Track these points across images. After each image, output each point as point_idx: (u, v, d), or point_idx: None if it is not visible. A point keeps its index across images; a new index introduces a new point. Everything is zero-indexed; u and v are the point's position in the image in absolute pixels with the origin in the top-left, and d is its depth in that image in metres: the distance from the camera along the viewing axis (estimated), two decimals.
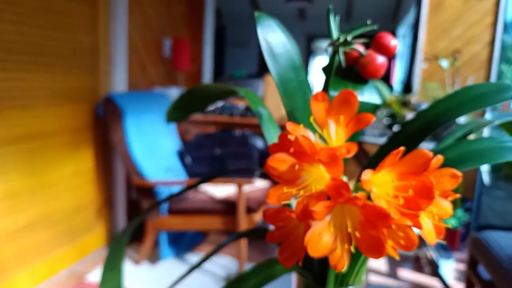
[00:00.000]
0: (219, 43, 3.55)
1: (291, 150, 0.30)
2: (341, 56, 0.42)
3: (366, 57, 0.40)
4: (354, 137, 0.42)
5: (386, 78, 3.26)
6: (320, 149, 0.28)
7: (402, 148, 0.28)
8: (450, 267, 2.27)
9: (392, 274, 2.31)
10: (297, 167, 0.29)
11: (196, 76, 3.45)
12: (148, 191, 2.22)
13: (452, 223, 2.62)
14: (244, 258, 2.18)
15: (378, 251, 0.27)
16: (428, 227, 0.29)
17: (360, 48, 0.41)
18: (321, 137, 0.33)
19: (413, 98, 2.52)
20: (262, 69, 4.46)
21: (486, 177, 2.28)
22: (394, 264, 2.43)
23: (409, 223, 0.27)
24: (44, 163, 1.98)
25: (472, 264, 1.82)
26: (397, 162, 0.28)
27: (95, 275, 2.15)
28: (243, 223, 2.11)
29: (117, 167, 2.55)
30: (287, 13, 3.64)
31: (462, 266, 2.45)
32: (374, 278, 2.24)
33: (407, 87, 2.83)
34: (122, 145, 2.20)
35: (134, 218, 0.58)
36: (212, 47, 3.46)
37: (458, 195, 0.32)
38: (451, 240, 2.63)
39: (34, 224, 1.95)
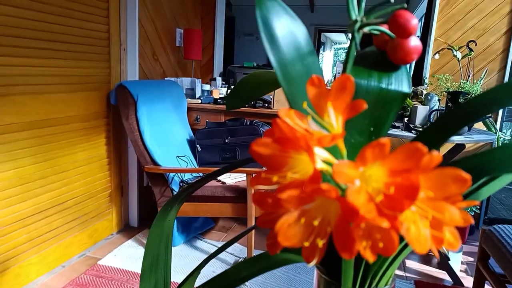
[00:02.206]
0: (228, 33, 3.53)
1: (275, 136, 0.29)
2: (358, 40, 0.40)
3: (395, 40, 0.37)
4: (382, 129, 0.41)
5: None
6: (300, 136, 0.28)
7: (383, 140, 0.25)
8: (459, 260, 2.26)
9: (399, 266, 2.32)
10: (277, 153, 0.28)
11: (207, 66, 3.45)
12: (160, 178, 2.24)
13: None
14: (253, 245, 2.19)
15: (349, 251, 0.25)
16: (416, 233, 0.25)
17: (388, 30, 0.39)
18: (320, 125, 0.31)
19: (424, 90, 2.50)
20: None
21: None
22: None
23: (385, 224, 0.24)
24: (56, 149, 2.00)
25: (483, 257, 1.82)
26: (388, 156, 0.25)
27: (108, 260, 2.18)
28: (253, 211, 2.12)
29: (129, 154, 2.57)
30: (296, 3, 3.60)
31: (470, 259, 2.45)
32: None
33: (418, 79, 2.80)
34: (135, 133, 2.22)
35: (170, 198, 0.57)
36: (223, 37, 3.45)
37: (475, 202, 0.28)
38: (460, 233, 2.62)
39: (46, 210, 1.98)
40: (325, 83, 0.32)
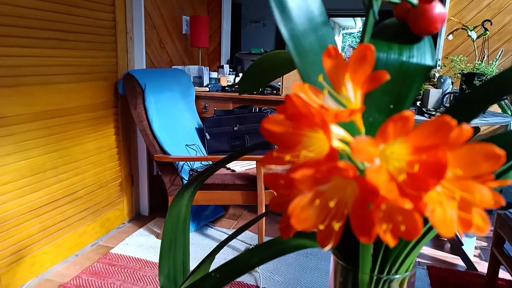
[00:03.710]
0: (235, 20, 3.48)
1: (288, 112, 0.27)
2: (377, 8, 0.37)
3: (417, 8, 0.35)
4: (403, 106, 0.38)
5: None
6: (315, 112, 0.25)
7: (407, 113, 0.23)
8: (472, 245, 2.23)
9: None
10: (291, 130, 0.26)
11: (214, 53, 3.41)
12: (169, 166, 2.24)
13: None
14: (263, 232, 2.19)
15: (367, 234, 0.24)
16: (442, 215, 0.23)
17: None
18: (337, 100, 0.30)
19: (436, 73, 2.43)
20: (278, 46, 4.37)
21: None
22: None
23: (408, 205, 0.22)
24: (66, 139, 2.00)
25: (498, 242, 1.78)
26: (412, 132, 0.23)
27: (120, 249, 2.20)
28: (264, 198, 2.12)
29: (138, 144, 2.57)
30: None
31: (484, 244, 2.41)
32: None
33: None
34: (143, 122, 2.21)
35: (183, 186, 0.55)
36: (229, 23, 3.40)
37: (508, 182, 0.26)
38: None
39: (58, 200, 1.99)
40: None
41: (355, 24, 7.70)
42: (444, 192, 0.24)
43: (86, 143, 2.14)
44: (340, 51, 0.29)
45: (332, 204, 0.25)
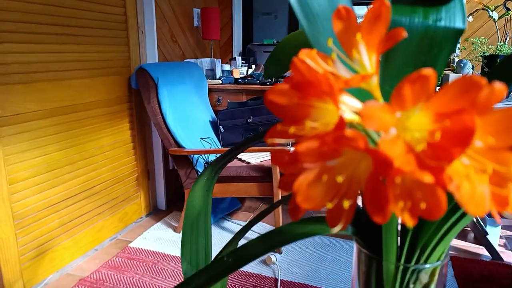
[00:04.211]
0: (246, 12, 3.44)
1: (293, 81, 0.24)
2: None
3: None
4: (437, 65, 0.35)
5: None
6: (322, 78, 0.22)
7: (426, 71, 0.19)
8: (497, 234, 2.15)
9: None
10: (297, 101, 0.24)
11: (226, 45, 3.38)
12: (184, 160, 2.24)
13: None
14: (279, 224, 2.17)
15: (382, 213, 0.21)
16: (471, 191, 0.20)
17: None
18: (349, 66, 0.26)
19: (456, 57, 2.35)
20: None
21: None
22: None
23: (427, 178, 0.19)
24: (81, 135, 2.02)
25: None
26: (434, 96, 0.20)
27: (138, 243, 2.21)
28: (279, 190, 2.09)
29: (153, 138, 2.58)
30: None
31: (509, 233, 2.33)
32: None
33: None
34: (157, 116, 2.21)
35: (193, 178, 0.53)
36: (241, 15, 3.36)
37: None
38: None
39: (76, 195, 2.01)
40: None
41: None
42: (473, 165, 0.21)
43: (102, 138, 2.15)
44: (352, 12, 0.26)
45: (340, 179, 0.22)
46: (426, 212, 0.20)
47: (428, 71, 0.19)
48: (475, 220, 2.19)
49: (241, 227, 2.29)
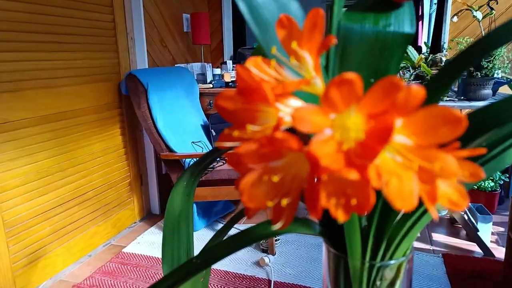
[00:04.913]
0: (238, 15, 3.46)
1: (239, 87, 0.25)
2: None
3: None
4: (384, 76, 0.36)
5: (414, 40, 3.09)
6: (259, 84, 0.23)
7: (348, 76, 0.20)
8: (489, 231, 2.17)
9: (426, 239, 2.25)
10: (243, 106, 0.25)
11: (217, 50, 3.40)
12: (176, 164, 2.24)
13: (489, 185, 2.50)
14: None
15: (314, 210, 0.22)
16: (399, 187, 0.21)
17: None
18: (295, 71, 0.27)
19: (443, 57, 2.37)
20: None
21: None
22: (428, 229, 2.36)
23: (353, 175, 0.20)
24: (71, 142, 2.02)
25: None
26: (363, 97, 0.21)
27: (132, 248, 2.21)
28: None
29: (145, 143, 2.58)
30: None
31: (501, 229, 2.35)
32: None
33: (436, 45, 2.66)
34: (148, 121, 2.21)
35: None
36: (231, 19, 3.38)
37: (481, 150, 0.22)
38: (489, 203, 2.52)
39: (67, 202, 2.01)
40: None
41: None
42: (404, 162, 0.22)
43: (92, 144, 2.15)
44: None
45: (276, 179, 0.23)
46: (357, 208, 0.21)
47: (350, 75, 0.20)
48: (466, 217, 2.21)
49: (235, 229, 2.28)
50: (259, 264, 2.01)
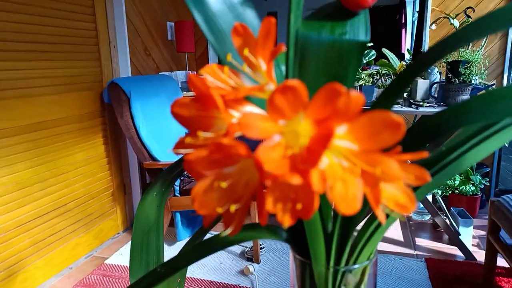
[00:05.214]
0: None
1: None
2: None
3: None
4: (343, 84, 0.36)
5: (397, 47, 3.15)
6: (210, 91, 0.24)
7: (292, 83, 0.21)
8: (470, 235, 2.21)
9: (410, 244, 2.27)
10: (199, 113, 0.25)
11: (202, 57, 3.40)
12: (159, 173, 2.22)
13: (470, 190, 2.55)
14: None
15: (260, 215, 0.22)
16: (343, 191, 0.21)
17: None
18: (252, 79, 0.28)
19: None
20: None
21: None
22: (412, 234, 2.39)
23: (295, 180, 0.20)
24: (52, 152, 1.99)
25: (493, 229, 1.76)
26: (310, 104, 0.22)
27: (114, 259, 2.18)
28: None
29: (129, 152, 2.55)
30: None
31: (482, 233, 2.39)
32: (391, 248, 2.21)
33: (417, 53, 2.72)
34: (131, 130, 2.19)
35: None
36: None
37: (423, 154, 0.22)
38: (470, 207, 2.56)
39: (48, 214, 1.97)
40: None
41: None
42: (350, 167, 0.23)
43: (74, 154, 2.12)
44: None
45: (224, 185, 0.23)
46: (302, 212, 0.21)
47: (293, 82, 0.21)
48: (448, 222, 2.24)
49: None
50: (243, 273, 2.00)
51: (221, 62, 0.54)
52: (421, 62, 0.31)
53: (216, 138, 0.25)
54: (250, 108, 0.27)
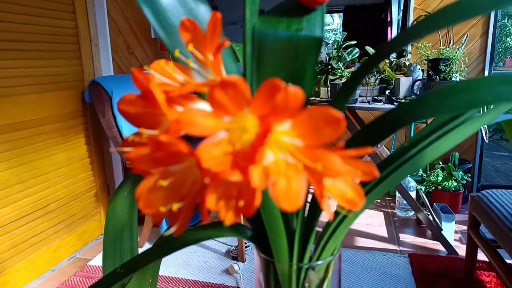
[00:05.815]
0: None
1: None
2: None
3: None
4: (302, 84, 0.36)
5: None
6: (151, 88, 0.23)
7: (231, 78, 0.20)
8: (452, 230, 2.24)
9: (394, 239, 2.30)
10: (146, 110, 0.25)
11: None
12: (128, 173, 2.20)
13: (452, 185, 2.59)
14: None
15: (201, 212, 0.22)
16: (286, 187, 0.21)
17: None
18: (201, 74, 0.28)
19: (406, 61, 2.45)
20: None
21: (484, 134, 2.22)
22: (396, 229, 2.41)
23: (234, 177, 0.20)
24: (32, 152, 1.95)
25: (473, 224, 1.79)
26: (253, 100, 0.21)
27: (98, 261, 2.15)
28: None
29: (113, 152, 2.52)
30: None
31: (464, 228, 2.43)
32: (375, 244, 2.23)
33: (400, 50, 2.74)
34: (113, 129, 2.17)
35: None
36: None
37: (367, 150, 0.23)
38: (453, 203, 2.60)
39: (28, 215, 1.93)
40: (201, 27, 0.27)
41: (333, 21, 7.77)
42: (295, 163, 0.22)
43: (55, 154, 2.09)
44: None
45: (164, 183, 0.22)
46: (244, 209, 0.21)
47: (233, 77, 0.20)
48: (431, 218, 2.27)
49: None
50: (228, 272, 1.99)
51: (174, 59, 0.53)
52: (372, 60, 0.31)
53: (157, 136, 0.25)
54: (202, 105, 0.26)
